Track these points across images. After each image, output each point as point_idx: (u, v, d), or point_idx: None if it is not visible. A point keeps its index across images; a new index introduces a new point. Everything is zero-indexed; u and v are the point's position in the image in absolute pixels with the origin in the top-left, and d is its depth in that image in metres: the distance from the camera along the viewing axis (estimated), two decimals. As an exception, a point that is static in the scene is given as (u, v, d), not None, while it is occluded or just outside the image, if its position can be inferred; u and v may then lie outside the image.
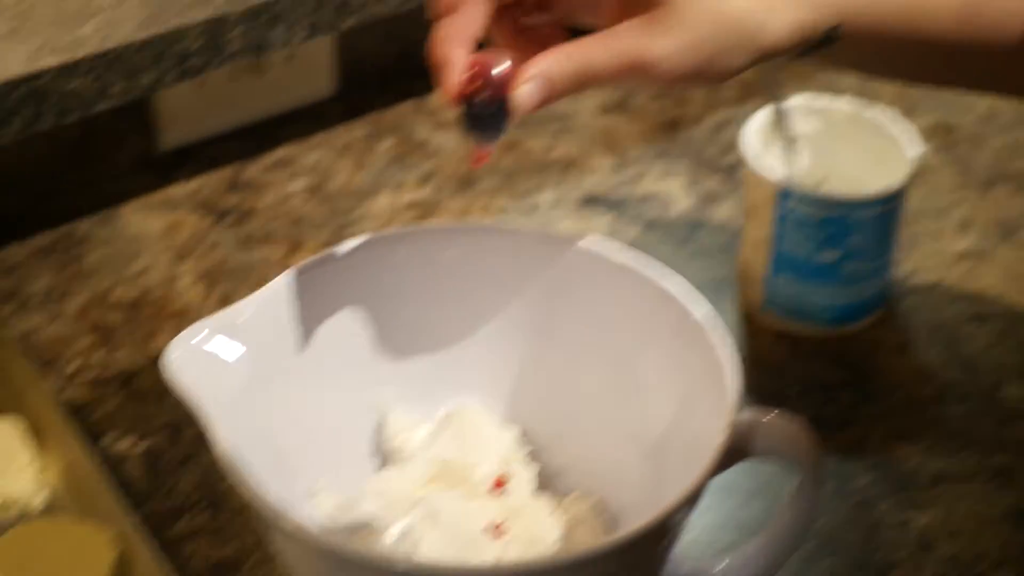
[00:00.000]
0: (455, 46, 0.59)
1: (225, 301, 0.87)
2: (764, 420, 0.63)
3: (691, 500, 0.60)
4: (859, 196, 0.82)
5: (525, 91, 0.58)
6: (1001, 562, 0.73)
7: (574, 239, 0.71)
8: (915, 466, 0.78)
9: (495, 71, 0.58)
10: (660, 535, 0.61)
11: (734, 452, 0.62)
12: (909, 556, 0.73)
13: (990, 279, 0.91)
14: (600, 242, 0.70)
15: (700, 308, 0.67)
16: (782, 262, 0.85)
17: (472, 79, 0.58)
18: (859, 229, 0.82)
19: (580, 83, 0.59)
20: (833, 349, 0.85)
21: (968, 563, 0.73)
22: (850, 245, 0.83)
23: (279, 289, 0.68)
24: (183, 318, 0.86)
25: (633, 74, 0.59)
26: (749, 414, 0.63)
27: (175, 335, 0.83)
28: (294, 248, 0.91)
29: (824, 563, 0.73)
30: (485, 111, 0.58)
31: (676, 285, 0.68)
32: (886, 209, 0.83)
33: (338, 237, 0.92)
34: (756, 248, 0.86)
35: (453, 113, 0.59)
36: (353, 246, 0.70)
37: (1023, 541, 0.74)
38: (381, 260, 0.70)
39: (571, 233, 0.73)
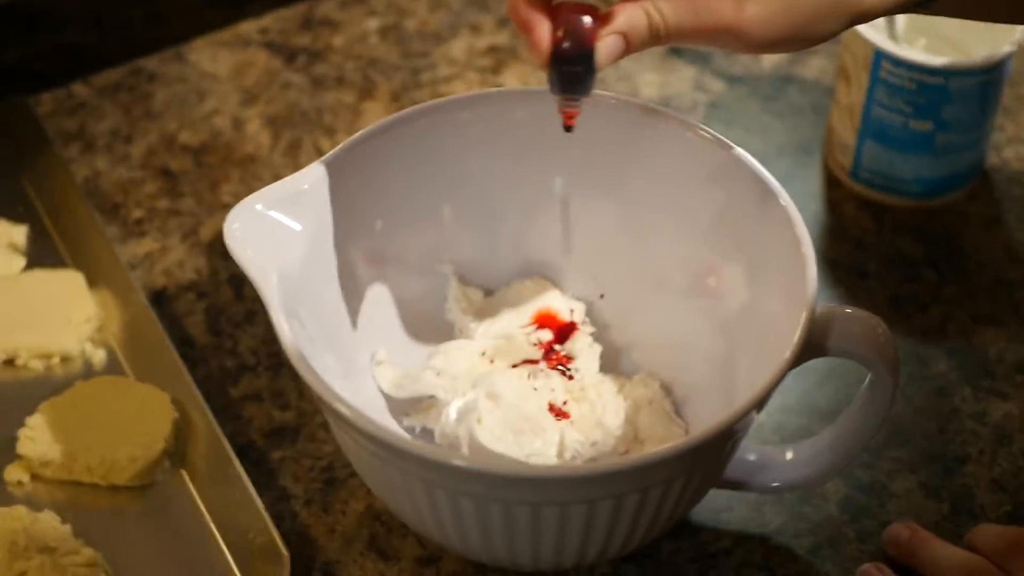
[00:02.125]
0: (536, 7, 0.57)
1: (293, 149, 0.85)
2: (842, 315, 0.61)
3: (763, 401, 0.58)
4: (960, 63, 0.77)
5: (606, 47, 0.56)
6: (1080, 460, 0.71)
7: (645, 105, 0.68)
8: (997, 353, 0.75)
9: (581, 26, 0.56)
10: (731, 434, 0.59)
11: (809, 348, 0.60)
12: (984, 450, 0.71)
13: (1093, 150, 0.86)
14: (669, 111, 0.67)
15: (779, 188, 0.64)
16: (873, 129, 0.81)
17: (558, 38, 0.57)
18: (957, 99, 0.78)
19: (664, 41, 0.57)
20: (920, 222, 0.82)
21: (1045, 460, 0.71)
22: (946, 116, 0.79)
23: (343, 156, 0.66)
24: (250, 166, 0.84)
25: (720, 39, 0.56)
26: (827, 309, 0.61)
27: (240, 185, 0.83)
28: (366, 93, 0.88)
29: (894, 453, 0.71)
30: (573, 68, 0.57)
31: (752, 158, 0.65)
32: (988, 79, 0.78)
33: (412, 82, 0.89)
34: (846, 113, 0.82)
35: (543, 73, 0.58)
36: (416, 111, 0.67)
37: (1105, 438, 0.72)
38: (443, 128, 0.68)
39: (641, 99, 0.70)
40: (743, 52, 0.58)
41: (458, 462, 0.55)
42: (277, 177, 0.82)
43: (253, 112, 0.87)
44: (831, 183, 0.84)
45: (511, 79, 0.90)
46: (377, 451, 0.57)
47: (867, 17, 0.57)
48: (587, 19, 0.57)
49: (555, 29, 0.57)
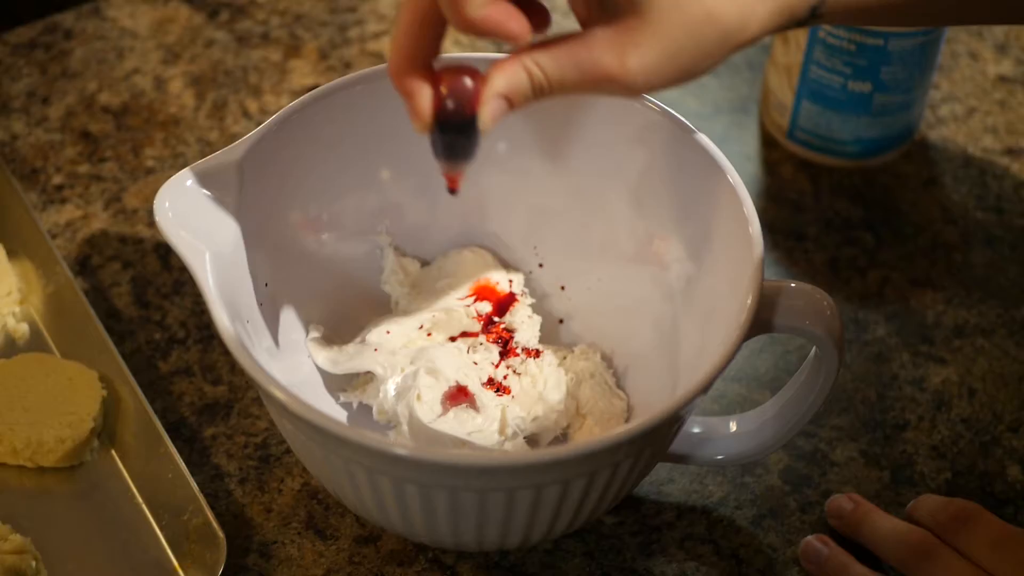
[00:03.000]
0: (415, 72, 0.55)
1: (218, 110, 0.82)
2: (788, 290, 0.60)
3: (710, 384, 0.57)
4: (898, 24, 0.76)
5: (488, 112, 0.54)
6: (1017, 425, 0.71)
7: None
8: (935, 316, 0.75)
9: (464, 93, 0.55)
10: (677, 419, 0.58)
11: (755, 326, 0.59)
12: (923, 416, 0.71)
13: (1028, 108, 0.86)
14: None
15: (728, 164, 0.63)
16: (810, 90, 0.80)
17: (441, 106, 0.55)
18: (896, 60, 0.77)
19: (548, 96, 0.55)
20: (857, 184, 0.81)
21: (983, 426, 0.71)
22: (885, 77, 0.78)
23: (275, 127, 0.63)
24: (174, 129, 0.81)
25: (604, 88, 0.54)
26: (772, 285, 0.60)
27: (165, 148, 0.80)
28: (292, 51, 0.86)
29: (834, 421, 0.70)
30: (457, 136, 0.55)
31: (703, 136, 0.64)
32: (927, 39, 0.77)
33: (340, 39, 0.86)
34: (784, 73, 0.81)
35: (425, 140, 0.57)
36: (351, 79, 0.65)
37: (1041, 402, 0.72)
38: (379, 95, 0.65)
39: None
40: (627, 96, 0.57)
41: (401, 451, 0.53)
42: (202, 140, 0.80)
43: (176, 71, 0.84)
44: (768, 143, 0.83)
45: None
46: (317, 438, 0.55)
47: (751, 43, 0.56)
48: (469, 83, 0.55)
49: (438, 96, 0.55)
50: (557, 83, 0.54)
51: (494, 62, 0.54)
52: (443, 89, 0.55)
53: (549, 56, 0.54)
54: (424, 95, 0.55)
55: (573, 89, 0.55)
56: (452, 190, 0.58)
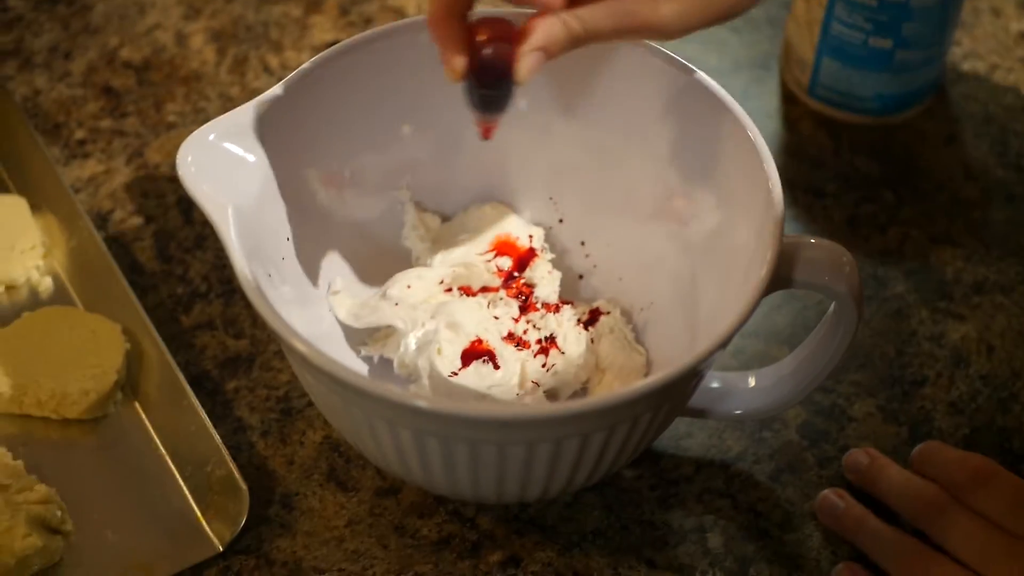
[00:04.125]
0: (452, 21, 0.56)
1: (239, 66, 0.82)
2: (808, 246, 0.60)
3: (729, 339, 0.57)
4: (920, -20, 0.76)
5: (527, 65, 0.55)
6: (1035, 382, 0.71)
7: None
8: (954, 273, 0.75)
9: (501, 48, 0.55)
10: (696, 374, 0.58)
11: (775, 282, 0.59)
12: (941, 372, 0.71)
13: (1049, 65, 0.85)
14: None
15: (749, 122, 0.63)
16: (831, 46, 0.79)
17: (475, 56, 0.55)
18: (918, 16, 0.77)
19: (583, 44, 0.56)
20: (877, 140, 0.81)
21: (1002, 382, 0.71)
22: (906, 33, 0.77)
23: (297, 82, 0.63)
24: (195, 84, 0.81)
25: (638, 35, 0.56)
26: (791, 240, 0.60)
27: (186, 104, 0.80)
28: (313, 6, 0.86)
29: (852, 377, 0.71)
30: (493, 91, 0.56)
31: (724, 91, 0.64)
32: (948, -5, 0.77)
33: (359, -6, 0.87)
34: (805, 29, 0.80)
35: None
36: (373, 35, 0.65)
37: (1060, 359, 0.72)
38: (401, 50, 0.66)
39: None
40: (663, 40, 0.58)
41: (422, 403, 0.54)
42: (224, 96, 0.81)
43: (197, 26, 0.84)
44: (788, 99, 0.83)
45: None
46: (339, 390, 0.56)
47: None
48: (506, 35, 0.55)
49: (474, 48, 0.55)
50: (593, 31, 0.55)
51: (531, 16, 0.55)
52: (480, 41, 0.55)
53: (585, 7, 0.55)
54: (459, 44, 0.56)
55: (608, 37, 0.56)
56: (485, 138, 0.59)
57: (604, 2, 0.55)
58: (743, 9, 0.57)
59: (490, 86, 0.56)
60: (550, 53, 0.56)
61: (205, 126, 0.61)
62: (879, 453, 0.66)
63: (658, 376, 0.55)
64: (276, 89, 0.63)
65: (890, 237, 0.77)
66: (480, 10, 0.58)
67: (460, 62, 0.56)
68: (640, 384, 0.54)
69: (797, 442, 0.68)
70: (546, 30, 0.55)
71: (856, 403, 0.70)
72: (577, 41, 0.56)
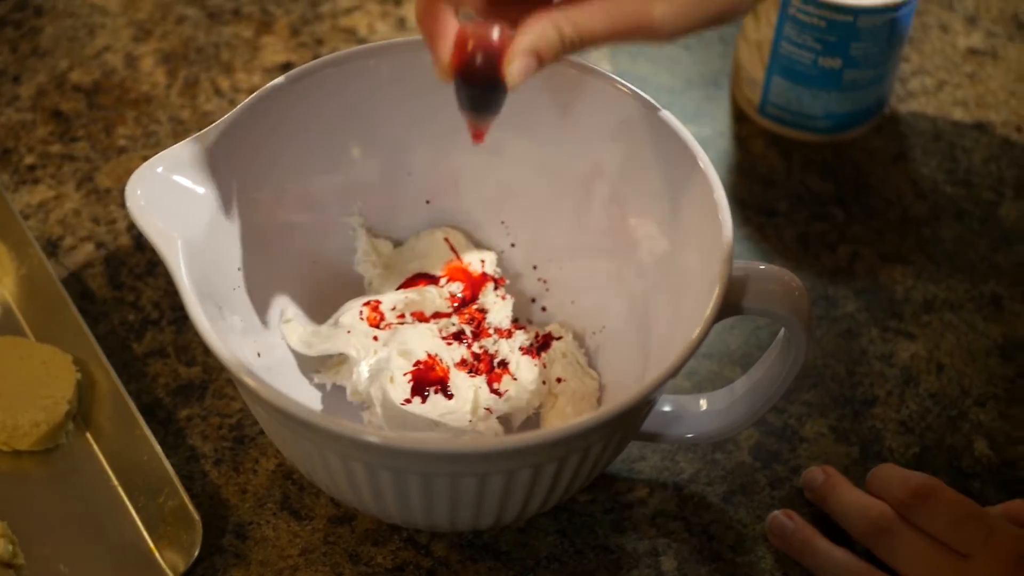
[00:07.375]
0: (439, 16, 0.55)
1: (190, 88, 0.82)
2: (758, 273, 0.60)
3: (680, 367, 0.57)
4: (868, 2, 0.77)
5: (518, 68, 0.54)
6: (983, 399, 0.72)
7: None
8: (904, 292, 0.76)
9: (491, 46, 0.54)
10: (648, 402, 0.58)
11: (725, 309, 0.60)
12: (891, 392, 0.72)
13: (997, 81, 0.86)
14: (583, 61, 0.66)
15: (700, 150, 0.63)
16: (781, 66, 0.80)
17: (464, 55, 0.54)
18: (866, 37, 0.77)
19: (576, 50, 0.55)
20: (828, 159, 0.82)
21: (951, 400, 0.72)
22: (855, 53, 0.78)
23: (246, 112, 0.63)
24: (145, 107, 0.81)
25: (634, 37, 0.55)
26: (742, 268, 0.60)
27: (137, 127, 0.80)
28: (264, 27, 0.86)
29: (804, 397, 0.71)
30: (483, 90, 0.55)
31: (674, 119, 0.64)
32: (897, 15, 0.77)
33: (311, 15, 0.86)
34: (755, 49, 0.81)
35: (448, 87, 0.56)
36: (322, 63, 0.65)
37: (1007, 376, 0.72)
38: (351, 76, 0.66)
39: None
40: (657, 43, 0.57)
41: (373, 439, 0.54)
42: (174, 119, 0.80)
43: (147, 48, 0.84)
44: (739, 118, 0.84)
45: (412, 10, 0.87)
46: (289, 424, 0.56)
47: None
48: (496, 37, 0.55)
49: (464, 46, 0.55)
50: (588, 35, 0.54)
51: (526, 19, 0.54)
52: (470, 42, 0.54)
53: (578, 9, 0.54)
54: (447, 41, 0.55)
55: (603, 40, 0.55)
56: (476, 142, 0.58)
57: (598, 3, 0.54)
58: (739, 11, 0.56)
59: (480, 87, 0.55)
60: (543, 59, 0.55)
61: (153, 159, 0.61)
62: (835, 471, 0.67)
63: (609, 407, 0.55)
64: (224, 119, 0.63)
65: (840, 255, 0.77)
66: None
67: (447, 59, 0.55)
68: (591, 416, 0.54)
69: (749, 463, 0.69)
70: (538, 33, 0.54)
71: (807, 423, 0.70)
72: (572, 46, 0.55)
